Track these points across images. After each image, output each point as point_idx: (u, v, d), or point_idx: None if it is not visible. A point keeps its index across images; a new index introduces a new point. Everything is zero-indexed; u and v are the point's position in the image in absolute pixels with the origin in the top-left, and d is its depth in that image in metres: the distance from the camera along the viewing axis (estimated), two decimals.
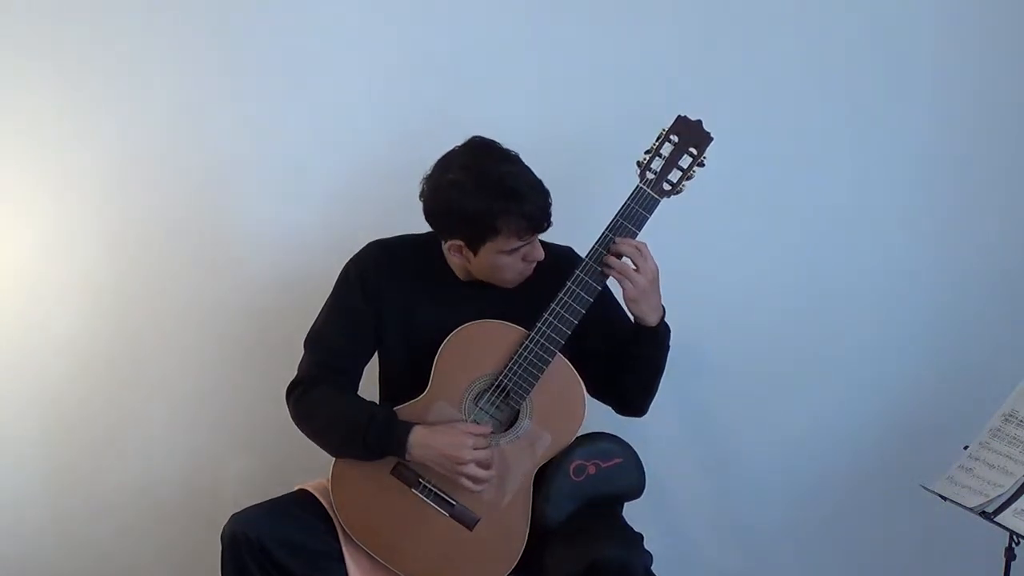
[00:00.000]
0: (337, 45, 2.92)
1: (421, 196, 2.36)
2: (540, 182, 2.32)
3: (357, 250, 2.53)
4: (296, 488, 2.48)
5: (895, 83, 2.89)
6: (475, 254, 2.34)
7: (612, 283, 2.39)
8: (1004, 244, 2.92)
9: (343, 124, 2.93)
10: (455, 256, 2.38)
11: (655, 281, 2.33)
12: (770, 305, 2.95)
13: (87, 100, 2.95)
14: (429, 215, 2.37)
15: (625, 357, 2.41)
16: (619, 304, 2.44)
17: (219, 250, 3.00)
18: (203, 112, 2.95)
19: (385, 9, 2.92)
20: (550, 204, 2.31)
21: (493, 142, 2.35)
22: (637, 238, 2.33)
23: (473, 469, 2.31)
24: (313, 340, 2.48)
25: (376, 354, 2.52)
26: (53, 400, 3.04)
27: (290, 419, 2.48)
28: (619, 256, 2.32)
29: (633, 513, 2.43)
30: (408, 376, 2.42)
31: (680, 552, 3.00)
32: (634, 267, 2.32)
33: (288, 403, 2.46)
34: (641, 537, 2.34)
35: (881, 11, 2.87)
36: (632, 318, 2.39)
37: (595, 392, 2.45)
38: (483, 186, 2.27)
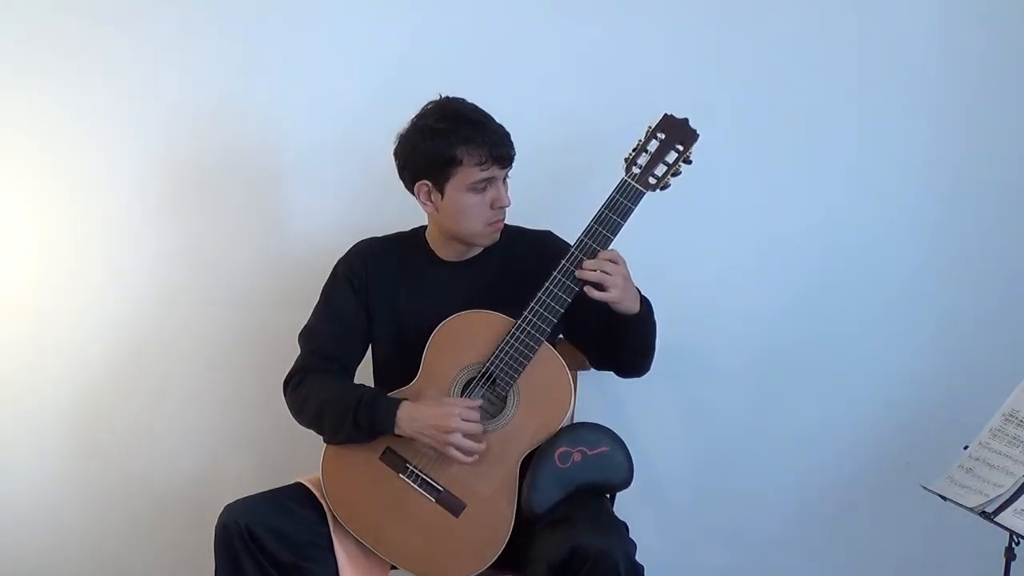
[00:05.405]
0: (333, 42, 2.93)
1: (395, 154, 2.46)
2: (502, 125, 2.41)
3: None
4: (294, 482, 2.50)
5: (897, 83, 2.89)
6: (443, 195, 2.41)
7: None
8: (1004, 244, 2.92)
9: (340, 123, 2.94)
10: (426, 206, 2.45)
11: (628, 279, 2.35)
12: (770, 307, 2.95)
13: (92, 99, 2.96)
14: (400, 162, 2.46)
15: (616, 335, 2.42)
16: None
17: (220, 251, 3.01)
18: (208, 110, 2.96)
19: (384, 8, 2.93)
20: (511, 140, 2.41)
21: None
22: (622, 229, 2.34)
23: (460, 439, 2.32)
24: (306, 335, 2.54)
25: (370, 349, 2.57)
26: (53, 402, 3.05)
27: (291, 420, 2.50)
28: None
29: (632, 515, 2.42)
30: (398, 365, 2.46)
31: (678, 554, 3.00)
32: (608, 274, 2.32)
33: (285, 395, 2.50)
34: (626, 526, 2.35)
35: (882, 9, 2.87)
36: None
37: (595, 363, 2.54)
38: (445, 117, 2.40)
